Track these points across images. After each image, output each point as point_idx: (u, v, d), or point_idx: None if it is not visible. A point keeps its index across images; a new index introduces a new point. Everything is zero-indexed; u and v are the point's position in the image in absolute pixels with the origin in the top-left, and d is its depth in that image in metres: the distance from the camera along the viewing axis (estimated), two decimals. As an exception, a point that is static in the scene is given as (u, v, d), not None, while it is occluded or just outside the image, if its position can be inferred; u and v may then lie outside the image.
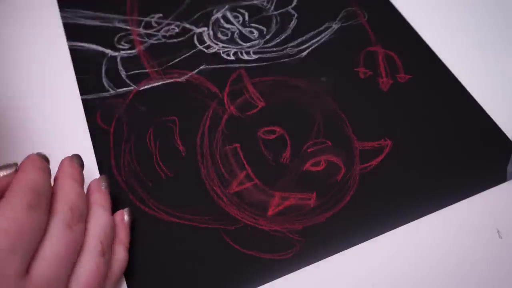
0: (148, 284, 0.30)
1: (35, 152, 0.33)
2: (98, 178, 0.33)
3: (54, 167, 0.30)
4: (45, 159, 0.29)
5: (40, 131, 0.36)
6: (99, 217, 0.30)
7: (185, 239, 0.32)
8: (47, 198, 0.27)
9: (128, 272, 0.30)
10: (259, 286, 0.30)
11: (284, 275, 0.30)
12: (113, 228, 0.30)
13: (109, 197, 0.32)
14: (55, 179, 0.29)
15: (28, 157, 0.28)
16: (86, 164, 0.35)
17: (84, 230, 0.28)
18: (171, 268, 0.31)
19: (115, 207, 0.33)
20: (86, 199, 0.30)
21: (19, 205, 0.25)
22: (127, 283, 0.30)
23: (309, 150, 0.36)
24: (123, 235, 0.31)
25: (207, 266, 0.31)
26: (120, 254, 0.30)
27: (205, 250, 0.31)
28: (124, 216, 0.32)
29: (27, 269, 0.24)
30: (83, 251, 0.28)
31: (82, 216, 0.28)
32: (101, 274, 0.28)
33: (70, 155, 0.32)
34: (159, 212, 0.33)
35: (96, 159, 0.35)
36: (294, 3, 0.45)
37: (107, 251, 0.29)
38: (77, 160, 0.31)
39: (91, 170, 0.34)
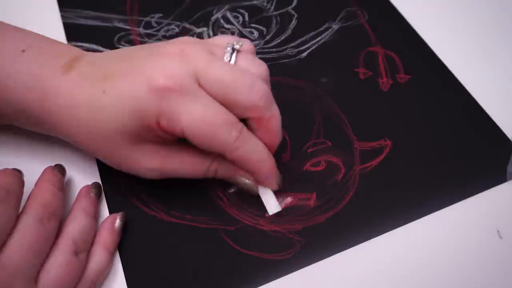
0: (148, 284, 0.30)
1: (32, 150, 0.33)
2: (89, 184, 0.33)
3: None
4: (17, 171, 0.30)
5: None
6: (77, 220, 0.30)
7: (185, 240, 0.32)
8: (16, 196, 0.28)
9: (129, 272, 0.30)
10: (259, 286, 0.30)
11: (284, 275, 0.30)
12: (92, 231, 0.30)
13: (96, 204, 0.32)
14: (35, 184, 0.30)
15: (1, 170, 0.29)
16: (86, 164, 0.35)
17: (57, 228, 0.29)
18: (171, 268, 0.31)
19: (115, 208, 0.33)
20: (62, 200, 0.30)
21: None
22: (127, 283, 0.30)
23: (309, 151, 0.36)
24: (108, 239, 0.31)
25: (207, 266, 0.31)
26: (100, 257, 0.30)
27: (205, 250, 0.31)
28: (116, 220, 0.31)
29: None
30: (55, 248, 0.28)
31: (55, 214, 0.29)
32: (72, 273, 0.28)
33: (53, 165, 0.32)
34: (159, 212, 0.33)
35: (96, 160, 0.35)
36: (294, 4, 0.45)
37: (81, 252, 0.29)
38: (59, 169, 0.32)
39: (91, 170, 0.34)
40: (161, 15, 0.44)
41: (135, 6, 0.44)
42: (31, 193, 0.30)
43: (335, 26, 0.43)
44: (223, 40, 0.31)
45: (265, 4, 0.45)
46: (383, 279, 0.30)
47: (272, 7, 0.44)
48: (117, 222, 0.31)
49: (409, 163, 0.35)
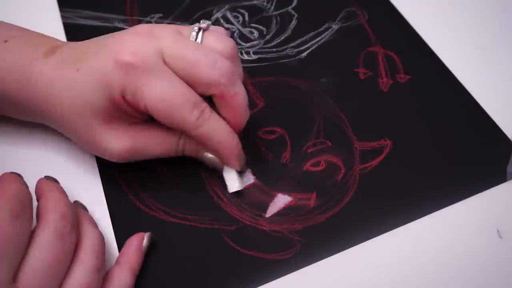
0: (148, 284, 0.30)
1: (32, 152, 0.33)
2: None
3: (53, 172, 0.30)
4: (19, 175, 0.28)
5: (40, 131, 0.36)
6: (94, 231, 0.28)
7: (185, 240, 0.32)
8: (30, 207, 0.26)
9: (128, 272, 0.30)
10: (259, 286, 0.30)
11: (284, 275, 0.30)
12: (104, 244, 0.29)
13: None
14: (39, 194, 0.28)
15: (3, 174, 0.28)
16: (86, 164, 0.35)
17: (76, 240, 0.27)
18: (171, 268, 0.31)
19: (115, 208, 0.33)
20: (74, 210, 0.28)
21: (2, 214, 0.25)
22: (127, 283, 0.30)
23: (309, 151, 0.36)
24: (134, 261, 0.29)
25: (207, 266, 0.31)
26: (125, 280, 0.28)
27: (205, 250, 0.31)
28: (143, 241, 0.30)
29: (14, 278, 0.24)
30: (76, 263, 0.26)
31: (74, 224, 0.27)
32: None
33: (43, 177, 0.30)
34: (159, 212, 0.33)
35: (96, 159, 0.35)
36: (294, 3, 0.45)
37: (102, 268, 0.28)
38: (52, 179, 0.30)
39: (91, 171, 0.34)
40: (161, 15, 0.44)
41: (135, 6, 0.44)
42: (40, 204, 0.27)
43: (335, 26, 0.43)
44: (191, 25, 0.32)
45: (265, 4, 0.45)
46: (383, 279, 0.30)
47: (272, 7, 0.44)
48: (145, 243, 0.30)
49: (409, 163, 0.35)
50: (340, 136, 0.36)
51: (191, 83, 0.30)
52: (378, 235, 0.32)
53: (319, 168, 0.35)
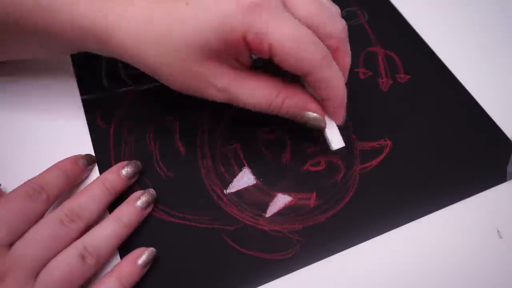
0: (148, 284, 0.30)
1: (32, 151, 0.33)
2: (141, 192, 0.32)
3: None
4: (83, 161, 0.33)
5: (40, 131, 0.36)
6: (102, 227, 0.30)
7: (185, 240, 0.32)
8: (49, 193, 0.30)
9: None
10: (259, 286, 0.30)
11: (284, 275, 0.30)
12: (115, 240, 0.30)
13: (140, 215, 0.31)
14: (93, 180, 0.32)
15: (68, 158, 0.33)
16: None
17: (81, 232, 0.30)
18: (171, 268, 0.31)
19: (115, 208, 0.33)
20: (101, 206, 0.31)
21: (19, 193, 0.29)
22: (127, 283, 0.30)
23: (308, 150, 0.36)
24: (125, 272, 0.29)
25: (207, 266, 0.31)
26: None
27: (205, 250, 0.31)
28: (142, 256, 0.30)
29: (12, 245, 0.28)
30: (66, 249, 0.29)
31: (80, 217, 0.30)
32: (73, 275, 0.28)
33: (129, 162, 0.33)
34: (159, 212, 0.33)
35: (96, 159, 0.35)
36: (294, 3, 0.45)
37: (89, 259, 0.28)
38: (128, 170, 0.33)
39: (92, 171, 0.34)
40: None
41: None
42: (81, 191, 0.31)
43: (335, 26, 0.43)
44: None
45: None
46: (383, 279, 0.30)
47: (272, 7, 0.44)
48: (142, 258, 0.30)
49: (409, 163, 0.35)
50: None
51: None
52: (378, 235, 0.32)
53: (319, 168, 0.35)
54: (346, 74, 0.32)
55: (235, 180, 0.34)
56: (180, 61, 0.29)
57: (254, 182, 0.34)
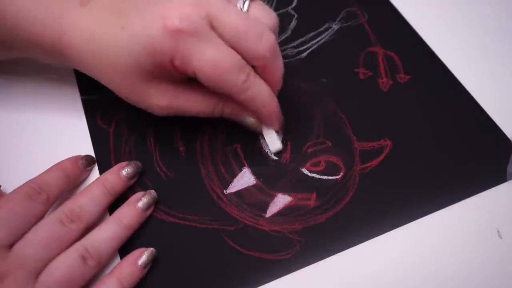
0: (148, 284, 0.30)
1: (32, 151, 0.33)
2: (142, 193, 0.32)
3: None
4: (83, 162, 0.33)
5: (40, 131, 0.36)
6: (102, 228, 0.30)
7: (185, 240, 0.32)
8: (49, 193, 0.30)
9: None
10: (259, 286, 0.30)
11: (284, 275, 0.30)
12: (116, 242, 0.30)
13: (140, 217, 0.31)
14: (93, 181, 0.32)
15: (68, 158, 0.33)
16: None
17: (81, 233, 0.30)
18: (171, 268, 0.31)
19: (115, 209, 0.33)
20: (101, 207, 0.31)
21: (20, 194, 0.29)
22: (127, 283, 0.30)
23: (309, 151, 0.36)
24: (125, 273, 0.29)
25: (207, 266, 0.31)
26: None
27: (205, 251, 0.31)
28: (141, 256, 0.30)
29: (12, 246, 0.28)
30: (67, 250, 0.29)
31: (80, 218, 0.30)
32: (74, 276, 0.28)
33: (128, 162, 0.33)
34: (159, 213, 0.33)
35: (96, 159, 0.35)
36: (294, 4, 0.45)
37: (90, 260, 0.28)
38: (128, 171, 0.33)
39: (92, 171, 0.34)
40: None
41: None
42: (81, 192, 0.31)
43: (335, 26, 0.43)
44: None
45: (264, 3, 0.45)
46: (383, 279, 0.30)
47: (272, 7, 0.44)
48: (142, 259, 0.30)
49: (409, 163, 0.35)
50: (340, 136, 0.36)
51: (236, 51, 0.30)
52: (378, 235, 0.32)
53: (319, 168, 0.35)
54: (278, 86, 0.33)
55: (235, 180, 0.34)
56: (121, 80, 0.31)
57: (254, 182, 0.34)
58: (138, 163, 0.34)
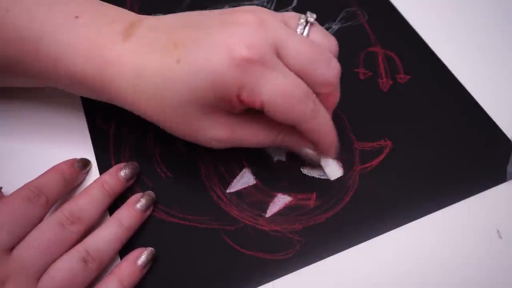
0: (148, 284, 0.30)
1: (32, 151, 0.33)
2: (141, 194, 0.32)
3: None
4: (79, 164, 0.33)
5: (40, 131, 0.36)
6: (102, 230, 0.30)
7: (185, 240, 0.32)
8: (48, 196, 0.30)
9: (128, 272, 0.30)
10: (259, 286, 0.30)
11: (284, 275, 0.30)
12: (117, 244, 0.30)
13: (140, 218, 0.31)
14: (92, 182, 0.32)
15: (64, 161, 0.32)
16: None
17: (81, 235, 0.29)
18: (171, 268, 0.31)
19: (115, 209, 0.33)
20: (101, 209, 0.31)
21: (19, 196, 0.29)
22: (127, 283, 0.30)
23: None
24: (125, 273, 0.29)
25: (207, 266, 0.31)
26: None
27: (205, 250, 0.31)
28: (141, 256, 0.30)
29: (12, 250, 0.28)
30: (67, 252, 0.28)
31: (80, 220, 0.29)
32: (75, 280, 0.28)
33: (126, 164, 0.33)
34: (159, 212, 0.33)
35: (96, 159, 0.35)
36: (294, 4, 0.45)
37: (91, 263, 0.28)
38: (126, 172, 0.32)
39: (91, 171, 0.34)
40: (161, 15, 0.44)
41: (135, 6, 0.44)
42: (79, 194, 0.31)
43: (335, 26, 0.43)
44: (293, 13, 0.31)
45: (265, 4, 0.45)
46: (383, 279, 0.30)
47: (272, 7, 0.44)
48: (141, 258, 0.30)
49: (409, 163, 0.35)
50: (340, 136, 0.36)
51: (303, 78, 0.28)
52: (378, 235, 0.32)
53: (319, 168, 0.35)
54: (331, 111, 0.32)
55: (235, 180, 0.34)
56: (172, 114, 0.29)
57: (254, 182, 0.34)
58: (136, 163, 0.33)
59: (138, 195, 0.32)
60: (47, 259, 0.28)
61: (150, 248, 0.30)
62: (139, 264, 0.29)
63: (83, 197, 0.30)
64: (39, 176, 0.31)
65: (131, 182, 0.33)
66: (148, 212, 0.32)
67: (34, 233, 0.28)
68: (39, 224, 0.29)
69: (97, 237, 0.29)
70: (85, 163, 0.33)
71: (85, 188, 0.31)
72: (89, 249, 0.29)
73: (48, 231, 0.28)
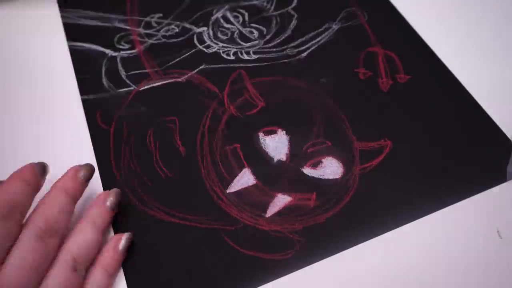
0: (148, 284, 0.30)
1: (32, 151, 0.33)
2: (107, 192, 0.32)
3: (54, 171, 0.30)
4: (40, 170, 0.30)
5: (40, 131, 0.36)
6: (82, 233, 0.29)
7: (185, 240, 0.32)
8: (21, 210, 0.28)
9: (128, 272, 0.30)
10: (259, 286, 0.30)
11: (284, 275, 0.30)
12: (97, 245, 0.30)
13: (109, 216, 0.31)
14: (51, 189, 0.30)
15: (22, 167, 0.30)
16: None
17: (59, 244, 0.29)
18: (171, 268, 0.31)
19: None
20: (69, 214, 0.30)
21: None
22: (127, 283, 0.30)
23: (309, 151, 0.36)
24: (109, 260, 0.30)
25: (207, 266, 0.31)
26: (99, 280, 0.29)
27: (205, 251, 0.31)
28: (120, 241, 0.30)
29: None
30: (54, 264, 0.28)
31: (57, 231, 0.28)
32: None
33: (81, 165, 0.32)
34: (159, 212, 0.33)
35: (96, 160, 0.35)
36: (294, 4, 0.45)
37: (80, 267, 0.28)
38: (84, 173, 0.31)
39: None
40: (161, 15, 0.44)
41: (135, 6, 0.44)
42: (39, 203, 0.29)
43: (335, 27, 0.43)
44: None
45: (265, 4, 0.45)
46: (383, 279, 0.30)
47: (272, 7, 0.44)
48: (121, 244, 0.30)
49: (409, 163, 0.35)
50: (340, 136, 0.36)
51: None
52: (378, 235, 0.32)
53: (319, 168, 0.35)
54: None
55: (235, 180, 0.34)
56: None
57: (254, 182, 0.34)
58: (90, 164, 0.32)
59: (104, 193, 0.32)
60: (38, 277, 0.27)
61: (127, 233, 0.31)
62: (120, 249, 0.30)
63: (51, 205, 0.29)
64: (4, 187, 0.28)
65: (88, 183, 0.32)
66: (116, 210, 0.32)
67: (17, 253, 0.27)
68: (18, 243, 0.27)
69: (78, 242, 0.29)
70: (43, 168, 0.31)
71: (47, 196, 0.30)
72: (76, 256, 0.28)
73: (30, 249, 0.27)
